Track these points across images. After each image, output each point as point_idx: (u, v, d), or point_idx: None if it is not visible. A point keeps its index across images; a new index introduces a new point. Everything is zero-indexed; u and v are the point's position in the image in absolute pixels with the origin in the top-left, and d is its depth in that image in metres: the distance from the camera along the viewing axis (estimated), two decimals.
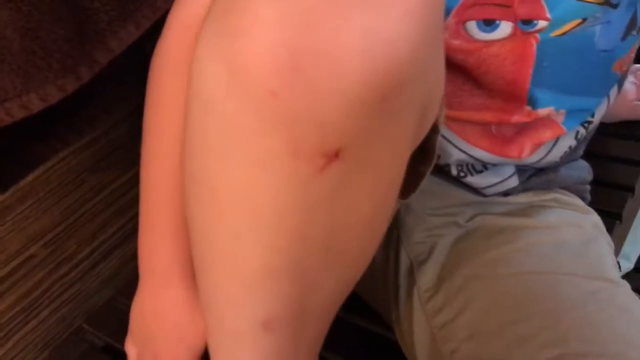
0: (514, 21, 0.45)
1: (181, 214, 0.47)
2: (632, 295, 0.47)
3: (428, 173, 0.39)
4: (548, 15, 0.44)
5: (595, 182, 0.63)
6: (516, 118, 0.49)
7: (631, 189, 0.72)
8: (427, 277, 0.51)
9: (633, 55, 0.53)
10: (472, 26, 0.45)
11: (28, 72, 0.49)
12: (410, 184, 0.39)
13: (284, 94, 0.24)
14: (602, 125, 0.71)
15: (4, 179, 0.55)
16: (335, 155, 0.27)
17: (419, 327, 0.50)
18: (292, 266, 0.31)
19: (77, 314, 0.73)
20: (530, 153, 0.52)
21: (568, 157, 0.56)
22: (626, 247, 1.09)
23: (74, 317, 0.73)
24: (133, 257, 0.79)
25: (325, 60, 0.23)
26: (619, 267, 1.07)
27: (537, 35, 0.46)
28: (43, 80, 0.50)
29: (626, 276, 1.09)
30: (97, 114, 0.65)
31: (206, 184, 0.30)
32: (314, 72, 0.24)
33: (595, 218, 0.56)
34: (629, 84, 0.83)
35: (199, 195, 0.31)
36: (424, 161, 0.38)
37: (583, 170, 0.61)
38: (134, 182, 0.77)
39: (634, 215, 0.78)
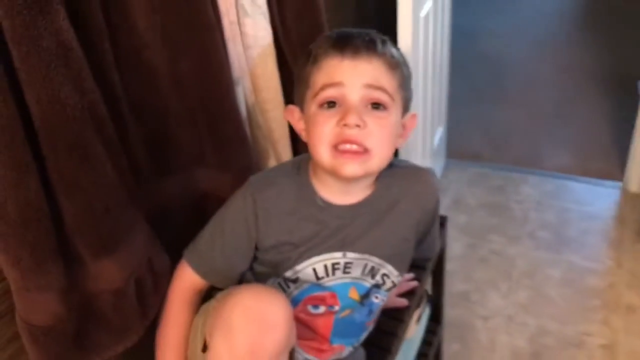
0: (326, 306, 1.00)
1: None
2: None
3: None
4: (339, 302, 1.00)
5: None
6: (325, 347, 1.03)
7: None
8: None
9: (375, 319, 1.09)
10: (309, 307, 1.00)
11: None
12: None
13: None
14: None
15: None
16: None
17: None
18: None
19: None
20: (330, 356, 1.05)
21: (354, 354, 1.09)
22: None
23: None
24: None
25: (258, 353, 0.77)
26: None
27: (334, 315, 1.00)
28: None
29: None
30: None
31: None
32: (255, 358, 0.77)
33: None
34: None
35: None
36: None
37: (359, 352, 1.11)
38: None
39: None
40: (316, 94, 0.87)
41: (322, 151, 0.87)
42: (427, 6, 1.83)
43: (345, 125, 0.84)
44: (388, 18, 1.70)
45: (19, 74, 0.69)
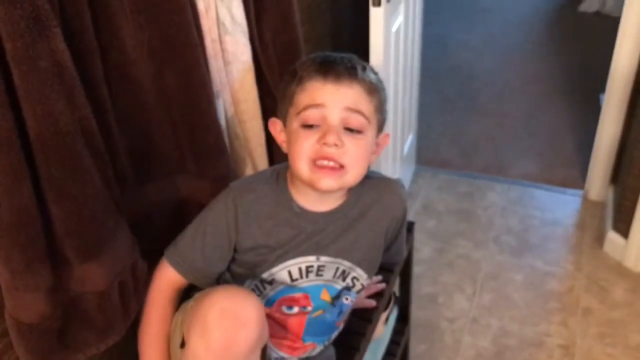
0: (299, 306, 1.06)
1: None
2: None
3: None
4: (312, 303, 1.06)
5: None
6: (297, 345, 1.09)
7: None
8: None
9: (345, 319, 1.16)
10: (283, 307, 1.06)
11: None
12: None
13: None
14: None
15: None
16: None
17: None
18: None
19: None
20: (302, 353, 1.12)
21: (325, 352, 1.16)
22: None
23: None
24: None
25: (232, 348, 0.84)
26: None
27: (307, 315, 1.07)
28: None
29: None
30: None
31: None
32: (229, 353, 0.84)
33: None
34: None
35: None
36: None
37: (330, 350, 1.18)
38: None
39: None
40: (299, 113, 0.95)
41: (301, 165, 0.94)
42: (398, 21, 1.91)
43: (324, 143, 0.92)
44: (360, 33, 1.78)
45: (17, 90, 0.76)
